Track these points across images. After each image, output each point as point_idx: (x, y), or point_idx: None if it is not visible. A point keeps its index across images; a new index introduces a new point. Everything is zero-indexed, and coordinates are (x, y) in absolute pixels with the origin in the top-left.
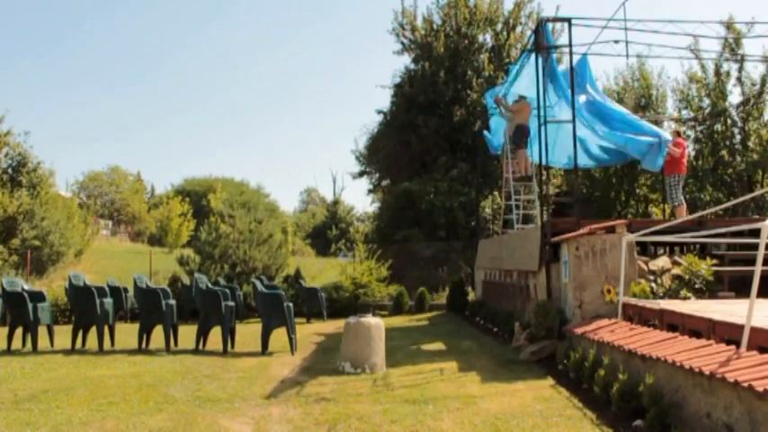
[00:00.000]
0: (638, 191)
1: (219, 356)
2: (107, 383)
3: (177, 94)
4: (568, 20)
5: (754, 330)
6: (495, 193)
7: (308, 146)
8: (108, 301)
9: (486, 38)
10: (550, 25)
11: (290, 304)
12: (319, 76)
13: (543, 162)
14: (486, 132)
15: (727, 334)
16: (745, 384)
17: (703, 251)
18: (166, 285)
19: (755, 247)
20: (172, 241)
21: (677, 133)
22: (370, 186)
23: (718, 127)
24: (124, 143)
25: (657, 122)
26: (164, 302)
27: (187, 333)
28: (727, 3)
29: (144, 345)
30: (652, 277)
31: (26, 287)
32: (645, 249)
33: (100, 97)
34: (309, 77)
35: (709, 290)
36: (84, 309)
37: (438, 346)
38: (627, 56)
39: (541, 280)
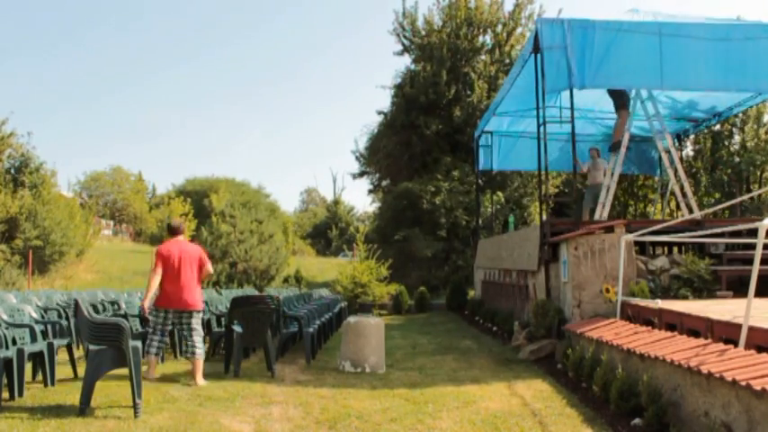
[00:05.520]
0: (637, 191)
1: (220, 355)
2: (108, 383)
3: (179, 95)
4: (567, 21)
5: (751, 329)
6: (500, 192)
7: (309, 146)
8: None
9: (487, 39)
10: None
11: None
12: (320, 76)
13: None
14: (481, 145)
15: (726, 333)
16: (743, 383)
17: (702, 251)
18: None
19: (753, 246)
20: None
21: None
22: (371, 186)
23: (718, 127)
24: (126, 143)
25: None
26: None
27: None
28: (734, 5)
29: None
30: (651, 277)
31: None
32: (643, 249)
33: (102, 97)
34: (310, 78)
35: (708, 289)
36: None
37: (437, 345)
38: None
39: (540, 279)
